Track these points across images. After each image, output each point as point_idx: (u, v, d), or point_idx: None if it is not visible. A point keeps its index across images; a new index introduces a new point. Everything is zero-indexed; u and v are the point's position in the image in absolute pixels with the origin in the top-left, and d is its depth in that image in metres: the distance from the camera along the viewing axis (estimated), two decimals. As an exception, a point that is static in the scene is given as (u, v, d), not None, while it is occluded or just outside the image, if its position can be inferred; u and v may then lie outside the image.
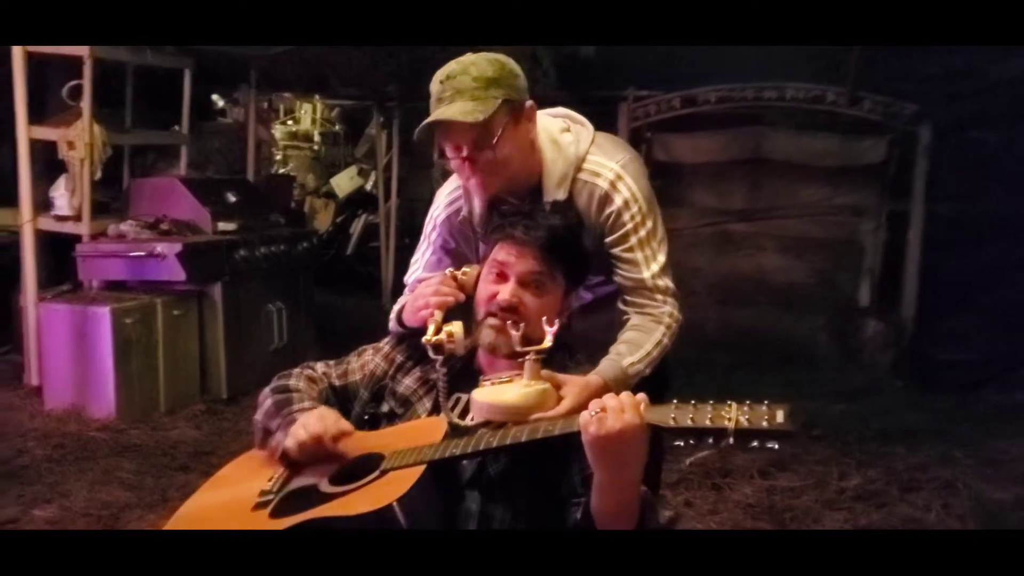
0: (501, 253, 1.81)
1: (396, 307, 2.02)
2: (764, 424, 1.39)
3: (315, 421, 1.72)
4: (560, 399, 1.66)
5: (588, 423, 1.47)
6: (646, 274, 1.95)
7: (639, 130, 6.57)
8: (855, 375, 5.56)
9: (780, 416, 1.40)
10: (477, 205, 2.00)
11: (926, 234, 6.01)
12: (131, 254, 4.57)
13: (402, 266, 7.80)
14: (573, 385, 1.71)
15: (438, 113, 1.80)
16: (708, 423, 1.41)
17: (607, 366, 1.83)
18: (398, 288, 7.76)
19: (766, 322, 6.15)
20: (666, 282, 1.97)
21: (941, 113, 5.72)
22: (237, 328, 4.88)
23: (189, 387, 4.73)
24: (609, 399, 1.47)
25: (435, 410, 1.82)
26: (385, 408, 1.89)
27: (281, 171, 8.73)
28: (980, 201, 5.69)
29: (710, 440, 1.42)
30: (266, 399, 1.89)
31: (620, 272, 1.96)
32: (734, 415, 1.41)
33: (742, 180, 6.64)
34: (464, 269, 1.90)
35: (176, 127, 5.79)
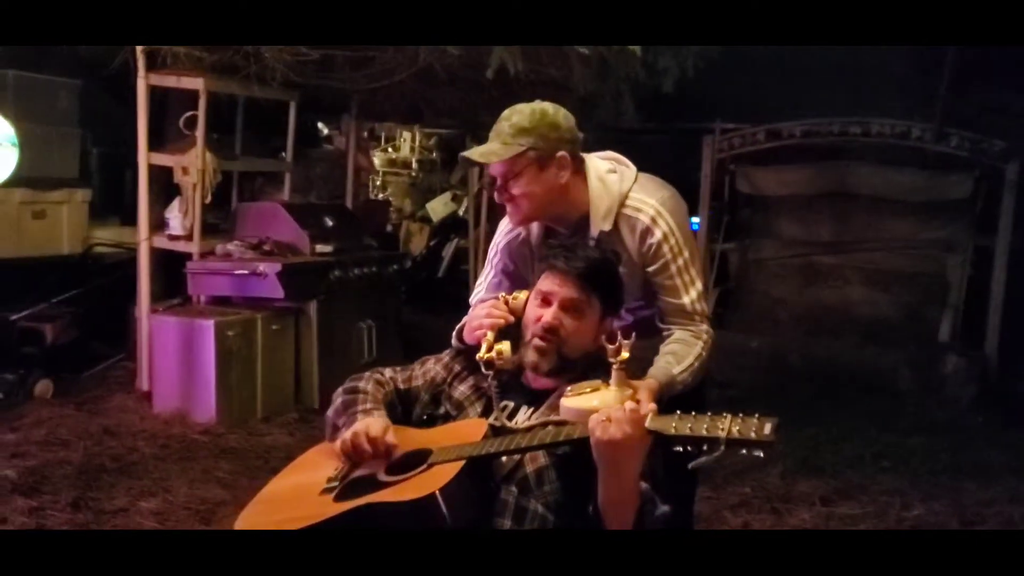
0: (546, 282, 2.05)
1: (459, 325, 2.26)
2: (752, 435, 1.58)
3: (360, 426, 1.99)
4: (638, 401, 1.88)
5: (594, 428, 1.70)
6: (686, 300, 2.19)
7: (723, 162, 6.71)
8: (935, 409, 5.53)
9: (768, 428, 1.59)
10: (535, 229, 2.25)
11: (1011, 270, 5.98)
12: (235, 272, 4.89)
13: (490, 290, 8.02)
14: (644, 389, 1.95)
15: (471, 150, 2.16)
16: (704, 432, 1.61)
17: (660, 371, 2.08)
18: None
19: (849, 354, 6.18)
20: (703, 306, 2.22)
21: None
22: (330, 343, 5.16)
23: (284, 397, 5.02)
24: (616, 411, 1.70)
25: (485, 414, 2.06)
26: (441, 410, 2.14)
27: (380, 196, 9.10)
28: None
29: (704, 447, 1.61)
30: (337, 398, 2.17)
31: (662, 297, 2.21)
32: (727, 426, 1.60)
33: (828, 213, 6.72)
34: (515, 294, 2.14)
35: (282, 154, 6.17)
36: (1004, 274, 6.06)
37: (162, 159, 5.04)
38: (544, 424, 1.95)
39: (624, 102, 5.44)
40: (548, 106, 2.16)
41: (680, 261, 2.18)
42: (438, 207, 9.08)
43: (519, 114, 2.12)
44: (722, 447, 1.59)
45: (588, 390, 1.89)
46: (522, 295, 2.13)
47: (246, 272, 4.88)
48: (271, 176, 6.42)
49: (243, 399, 4.79)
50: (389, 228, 8.04)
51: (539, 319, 2.03)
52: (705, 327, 2.22)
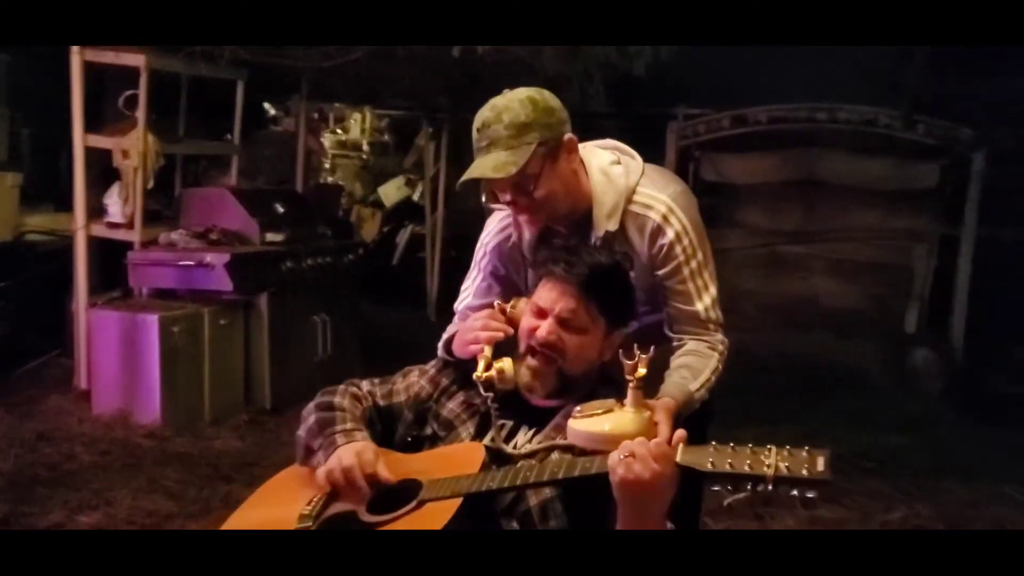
0: (542, 290, 1.83)
1: (445, 335, 2.02)
2: (804, 472, 1.38)
3: (351, 455, 1.73)
4: (656, 424, 1.68)
5: (616, 466, 1.47)
6: (699, 307, 1.96)
7: (687, 149, 6.53)
8: (908, 404, 5.43)
9: (821, 464, 1.38)
10: (527, 232, 2.01)
11: (979, 261, 5.91)
12: (180, 263, 4.60)
13: (448, 278, 7.87)
14: (662, 410, 1.73)
15: (473, 169, 1.84)
16: (747, 469, 1.40)
17: (676, 389, 1.84)
18: (443, 300, 7.77)
19: (817, 346, 6.07)
20: (717, 313, 1.98)
21: (1005, 138, 5.59)
22: (282, 339, 4.90)
23: (233, 397, 4.75)
24: (639, 445, 1.47)
25: (479, 434, 1.83)
26: (428, 431, 1.90)
27: (329, 180, 8.79)
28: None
29: (748, 485, 1.40)
30: (309, 415, 1.90)
31: (673, 304, 1.97)
32: (773, 461, 1.39)
33: (795, 202, 6.58)
34: (513, 302, 1.90)
35: (228, 136, 5.86)
36: (970, 264, 6.00)
37: (100, 141, 4.72)
38: (549, 449, 1.73)
39: (594, 85, 5.20)
40: (530, 91, 1.88)
41: (693, 264, 1.95)
42: (391, 192, 8.82)
43: (509, 111, 1.83)
44: (769, 486, 1.37)
45: (600, 411, 1.67)
46: (522, 303, 1.89)
47: (192, 263, 4.58)
48: (215, 160, 6.10)
49: (190, 400, 4.50)
50: (340, 214, 7.73)
51: (533, 332, 1.80)
52: (720, 336, 1.99)
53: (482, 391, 1.80)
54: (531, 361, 1.79)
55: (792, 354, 6.04)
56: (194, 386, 4.52)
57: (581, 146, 1.96)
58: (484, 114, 1.85)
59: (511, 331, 1.86)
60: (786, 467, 1.37)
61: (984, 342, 5.80)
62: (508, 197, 1.88)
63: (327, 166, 8.99)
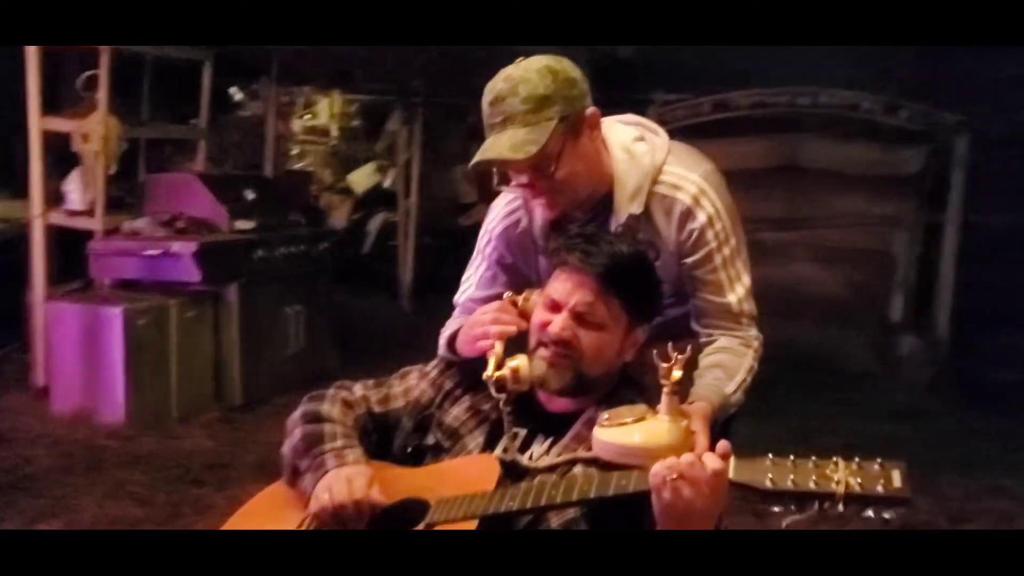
0: (557, 281, 1.64)
1: (447, 331, 1.84)
2: (879, 489, 1.22)
3: (342, 485, 1.54)
4: (693, 433, 1.52)
5: (661, 487, 1.31)
6: (732, 298, 1.77)
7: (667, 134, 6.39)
8: (896, 393, 5.34)
9: (897, 479, 1.25)
10: (539, 216, 1.82)
11: (965, 248, 5.83)
12: (145, 253, 4.38)
13: (422, 267, 7.66)
14: (698, 417, 1.56)
15: (488, 148, 1.65)
16: (812, 486, 1.25)
17: (711, 392, 1.67)
18: (417, 289, 7.58)
19: (800, 334, 5.94)
20: (751, 306, 1.81)
21: (990, 123, 5.51)
22: (254, 332, 4.69)
23: (202, 393, 4.53)
24: (690, 466, 1.30)
25: (488, 445, 1.65)
26: (431, 440, 1.72)
27: (297, 166, 8.56)
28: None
29: (814, 505, 1.24)
30: (295, 428, 1.70)
31: (702, 295, 1.79)
32: (843, 476, 1.24)
33: (777, 188, 6.43)
34: (525, 294, 1.72)
35: (194, 120, 5.62)
36: (954, 251, 5.92)
37: (58, 124, 4.50)
38: (571, 462, 1.55)
39: (578, 65, 5.01)
40: (548, 60, 1.67)
41: (726, 251, 1.76)
42: (361, 178, 8.58)
43: (526, 82, 1.62)
44: (839, 506, 1.22)
45: (630, 419, 1.50)
46: (535, 296, 1.71)
47: (157, 252, 4.37)
48: (180, 145, 5.88)
49: (156, 397, 4.28)
50: (311, 201, 7.51)
51: (545, 326, 1.61)
52: (754, 332, 1.81)
53: (494, 392, 1.61)
54: (543, 352, 1.61)
55: (774, 341, 5.92)
56: (161, 383, 4.30)
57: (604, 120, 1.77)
58: (497, 86, 1.65)
59: (525, 326, 1.68)
60: (858, 483, 1.22)
61: (969, 329, 5.72)
62: (524, 179, 1.70)
63: (295, 152, 8.74)
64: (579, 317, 1.59)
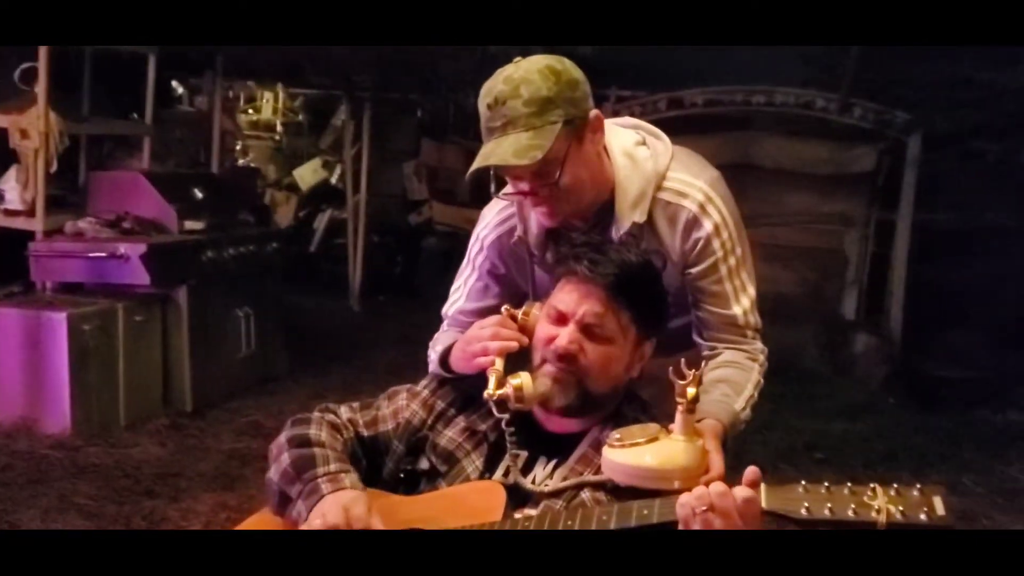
0: (562, 292, 1.56)
1: (438, 346, 1.74)
2: (923, 517, 1.16)
3: (339, 512, 1.44)
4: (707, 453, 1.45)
5: (690, 519, 1.25)
6: (737, 310, 1.70)
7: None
8: (848, 391, 5.38)
9: (939, 506, 1.18)
10: (534, 224, 1.73)
11: (916, 246, 5.89)
12: (90, 254, 4.18)
13: (371, 265, 7.51)
14: (711, 437, 1.49)
15: (490, 154, 1.55)
16: (851, 515, 1.19)
17: (721, 409, 1.59)
18: (367, 288, 7.42)
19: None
20: (756, 318, 1.73)
21: (941, 122, 5.57)
22: (203, 335, 4.53)
23: (151, 400, 4.36)
24: (718, 496, 1.24)
25: (488, 468, 1.56)
26: (425, 464, 1.62)
27: (241, 162, 8.34)
28: (979, 212, 5.55)
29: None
30: (282, 453, 1.58)
31: (706, 307, 1.71)
32: (882, 504, 1.18)
33: (730, 186, 6.39)
34: (525, 308, 1.63)
35: (135, 115, 5.41)
36: (906, 249, 5.97)
37: (-6, 119, 4.26)
38: (578, 487, 1.47)
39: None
40: (549, 60, 1.58)
41: (732, 261, 1.69)
42: (306, 174, 8.41)
43: (528, 83, 1.53)
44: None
45: (642, 440, 1.42)
46: (535, 310, 1.62)
47: (103, 254, 4.17)
48: (122, 141, 5.63)
49: (103, 404, 4.08)
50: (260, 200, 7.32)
51: (550, 340, 1.53)
52: (760, 345, 1.74)
53: (495, 412, 1.52)
54: (548, 368, 1.52)
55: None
56: (107, 389, 4.11)
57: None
58: (497, 88, 1.55)
59: (526, 341, 1.59)
60: (900, 512, 1.16)
61: (920, 327, 5.77)
62: (526, 186, 1.60)
63: (238, 148, 8.52)
64: (587, 329, 1.51)
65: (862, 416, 4.93)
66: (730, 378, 1.66)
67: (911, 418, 4.94)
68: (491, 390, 1.51)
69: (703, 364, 1.47)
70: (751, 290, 1.73)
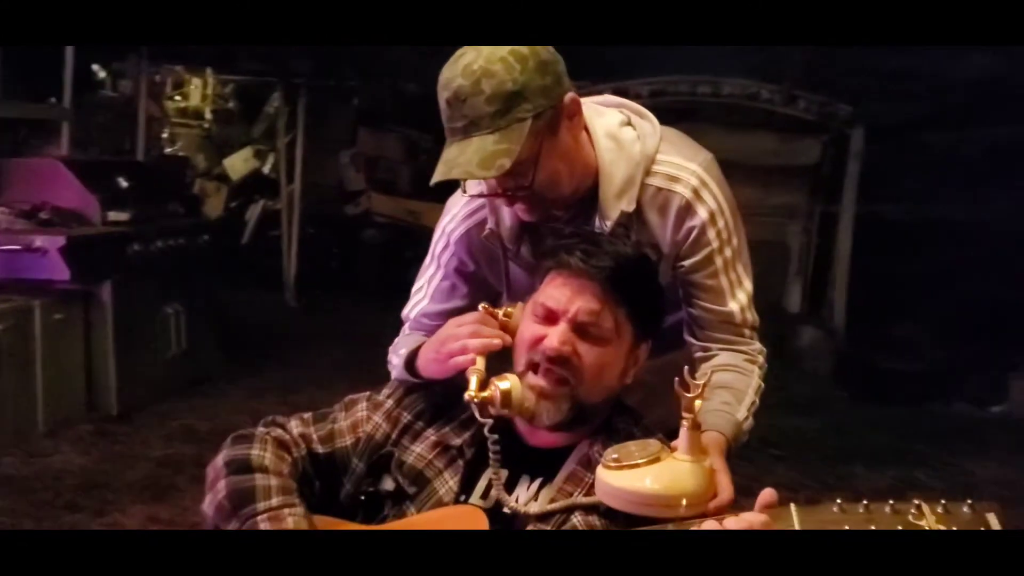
0: (551, 287, 1.38)
1: (402, 349, 1.54)
2: None
3: None
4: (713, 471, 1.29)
5: None
6: (734, 306, 1.54)
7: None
8: (796, 385, 5.33)
9: (995, 523, 1.06)
10: (507, 216, 1.55)
11: (860, 238, 5.88)
12: (3, 248, 3.91)
13: (306, 257, 7.26)
14: (716, 452, 1.33)
15: (452, 163, 1.37)
16: None
17: (722, 420, 1.43)
18: (301, 282, 7.16)
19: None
20: (754, 315, 1.57)
21: (884, 114, 5.57)
22: (129, 334, 4.29)
23: (74, 404, 4.12)
24: (751, 520, 1.11)
25: (463, 489, 1.39)
26: (389, 485, 1.43)
27: (168, 150, 8.00)
28: (922, 204, 5.56)
29: None
30: (218, 480, 1.36)
31: (699, 303, 1.55)
32: (931, 523, 1.07)
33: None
34: (506, 308, 1.45)
35: (53, 99, 5.09)
36: (850, 242, 5.97)
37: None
38: (568, 509, 1.31)
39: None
40: (511, 48, 1.36)
41: (727, 252, 1.52)
42: (237, 164, 8.12)
43: (489, 76, 1.33)
44: None
45: (642, 460, 1.25)
46: (517, 309, 1.44)
47: (18, 248, 3.90)
48: (38, 127, 5.30)
49: (20, 410, 3.83)
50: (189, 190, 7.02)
51: (538, 341, 1.35)
52: (758, 345, 1.58)
53: (478, 416, 1.34)
54: (534, 379, 1.35)
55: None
56: (24, 393, 3.85)
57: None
58: (455, 82, 1.35)
59: (509, 340, 1.41)
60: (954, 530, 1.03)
61: (866, 320, 5.77)
62: (498, 188, 1.43)
63: (165, 136, 8.17)
64: (581, 329, 1.34)
65: (813, 410, 4.90)
66: (730, 384, 1.50)
67: (862, 412, 4.93)
68: (473, 391, 1.33)
69: (709, 374, 1.31)
70: (748, 284, 1.57)
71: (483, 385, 1.34)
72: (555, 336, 1.34)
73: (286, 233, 6.87)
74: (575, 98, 1.45)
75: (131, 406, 4.26)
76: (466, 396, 1.33)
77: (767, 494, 1.14)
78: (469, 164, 1.34)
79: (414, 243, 7.30)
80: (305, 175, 6.96)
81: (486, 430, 1.34)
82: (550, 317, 1.36)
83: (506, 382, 1.33)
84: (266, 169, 8.09)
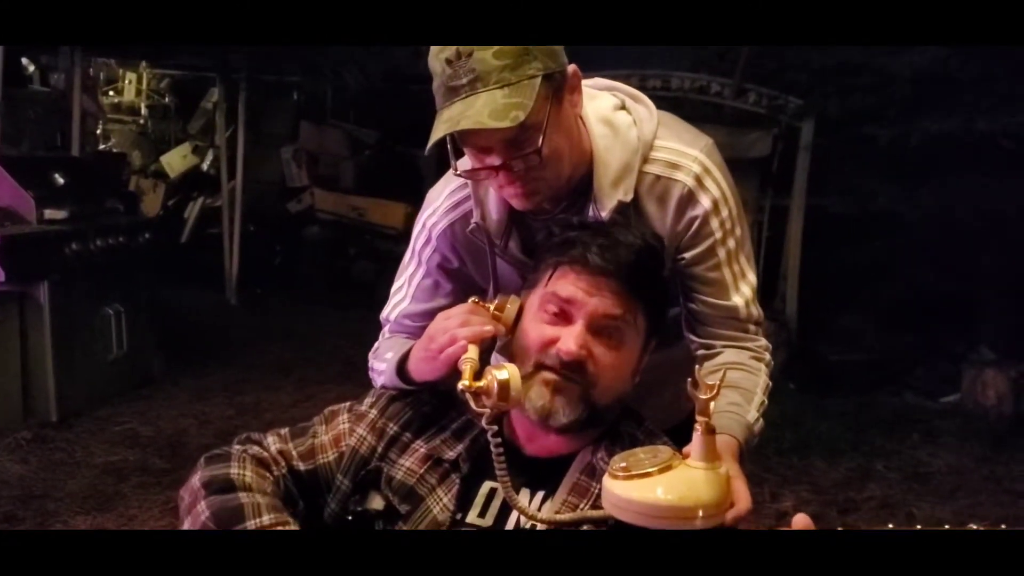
0: (563, 282, 1.28)
1: (388, 353, 1.45)
2: None
3: None
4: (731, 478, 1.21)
5: None
6: (738, 301, 1.45)
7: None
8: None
9: None
10: (493, 208, 1.45)
11: (809, 231, 5.90)
12: (-67, 248, 3.71)
13: (247, 255, 7.07)
14: (730, 458, 1.25)
15: (459, 117, 1.24)
16: None
17: (733, 422, 1.34)
18: (243, 281, 6.98)
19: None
20: (759, 310, 1.49)
21: (834, 107, 5.58)
22: (68, 336, 4.13)
23: (9, 410, 3.97)
24: None
25: (460, 507, 1.29)
26: (378, 504, 1.33)
27: (102, 147, 7.73)
28: (871, 197, 5.58)
29: None
30: (197, 501, 1.26)
31: (701, 297, 1.46)
32: None
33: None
34: (499, 302, 1.34)
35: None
36: (800, 234, 5.98)
37: None
38: (576, 523, 1.23)
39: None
40: None
41: (731, 243, 1.44)
42: (175, 160, 7.90)
43: None
44: None
45: (653, 468, 1.16)
46: (512, 304, 1.34)
47: (-52, 248, 3.70)
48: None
49: (-48, 418, 3.64)
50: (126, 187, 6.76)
51: (550, 343, 1.26)
52: (764, 342, 1.49)
53: (473, 405, 1.23)
54: (547, 375, 1.25)
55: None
56: (-43, 401, 3.67)
57: None
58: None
59: (502, 330, 1.32)
60: None
61: (816, 312, 5.78)
62: (496, 160, 1.30)
63: (99, 132, 7.89)
64: (598, 329, 1.26)
65: (768, 403, 4.88)
66: (738, 383, 1.41)
67: (813, 403, 4.92)
68: (467, 381, 1.22)
69: (698, 366, 1.23)
70: (751, 277, 1.49)
71: (477, 375, 1.24)
72: (571, 339, 1.25)
73: (227, 231, 6.67)
74: (577, 71, 1.36)
75: (71, 411, 4.11)
76: (459, 386, 1.23)
77: (801, 520, 1.07)
78: (479, 116, 1.23)
79: (358, 240, 7.18)
80: (246, 172, 6.77)
81: (484, 421, 1.24)
82: (563, 317, 1.27)
83: (503, 372, 1.22)
84: (205, 166, 7.89)
